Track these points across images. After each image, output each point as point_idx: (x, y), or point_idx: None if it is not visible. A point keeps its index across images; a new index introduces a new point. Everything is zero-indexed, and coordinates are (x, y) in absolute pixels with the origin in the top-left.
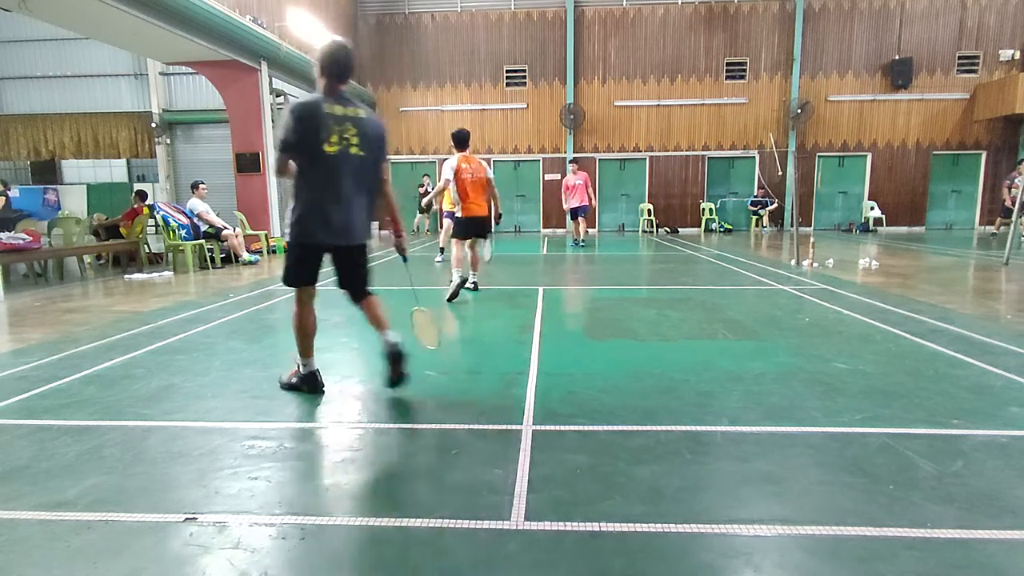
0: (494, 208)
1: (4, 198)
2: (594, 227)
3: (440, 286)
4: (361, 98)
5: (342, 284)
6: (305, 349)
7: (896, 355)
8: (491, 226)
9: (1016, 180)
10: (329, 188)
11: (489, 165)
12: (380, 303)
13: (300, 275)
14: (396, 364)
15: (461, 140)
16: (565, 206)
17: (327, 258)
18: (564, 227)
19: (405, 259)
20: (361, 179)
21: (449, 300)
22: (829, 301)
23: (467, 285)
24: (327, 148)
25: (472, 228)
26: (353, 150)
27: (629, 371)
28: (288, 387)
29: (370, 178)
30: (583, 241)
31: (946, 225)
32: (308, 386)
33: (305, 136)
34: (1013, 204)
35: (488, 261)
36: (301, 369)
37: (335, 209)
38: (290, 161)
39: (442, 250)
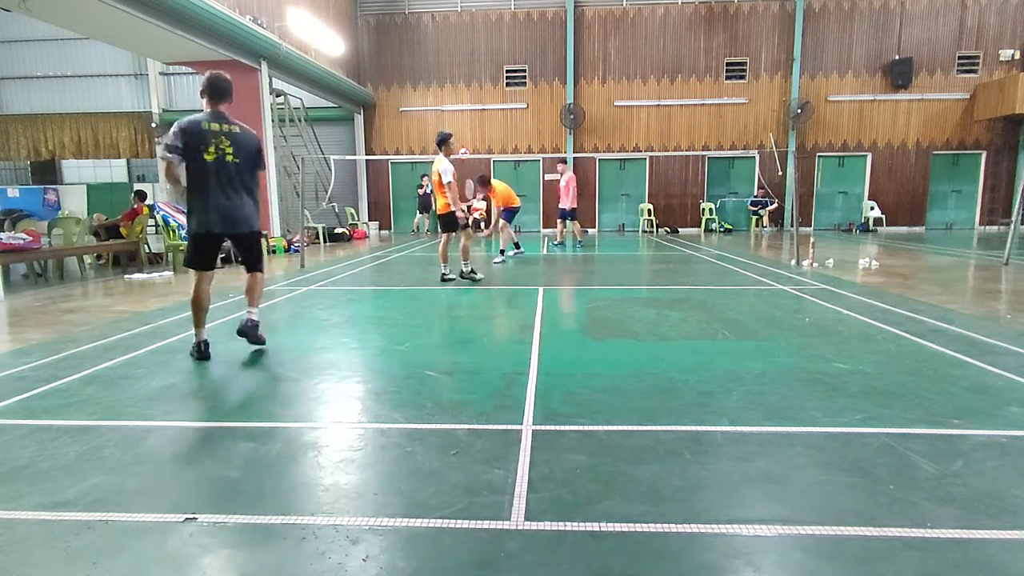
0: (455, 208)
1: None
2: (593, 227)
3: (429, 285)
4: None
5: (241, 260)
6: (198, 322)
7: (896, 355)
8: (463, 222)
9: None
10: (211, 187)
11: (489, 165)
12: (262, 281)
13: (198, 260)
14: (248, 335)
15: (437, 143)
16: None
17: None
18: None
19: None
20: (240, 180)
21: (458, 277)
22: (829, 301)
23: (448, 276)
24: (206, 156)
25: (442, 224)
26: (228, 158)
27: (629, 371)
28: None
29: (248, 179)
30: (580, 241)
31: (946, 225)
32: (197, 353)
33: (188, 146)
34: None
35: (503, 261)
36: (193, 338)
37: (217, 205)
38: (178, 169)
39: (502, 252)
